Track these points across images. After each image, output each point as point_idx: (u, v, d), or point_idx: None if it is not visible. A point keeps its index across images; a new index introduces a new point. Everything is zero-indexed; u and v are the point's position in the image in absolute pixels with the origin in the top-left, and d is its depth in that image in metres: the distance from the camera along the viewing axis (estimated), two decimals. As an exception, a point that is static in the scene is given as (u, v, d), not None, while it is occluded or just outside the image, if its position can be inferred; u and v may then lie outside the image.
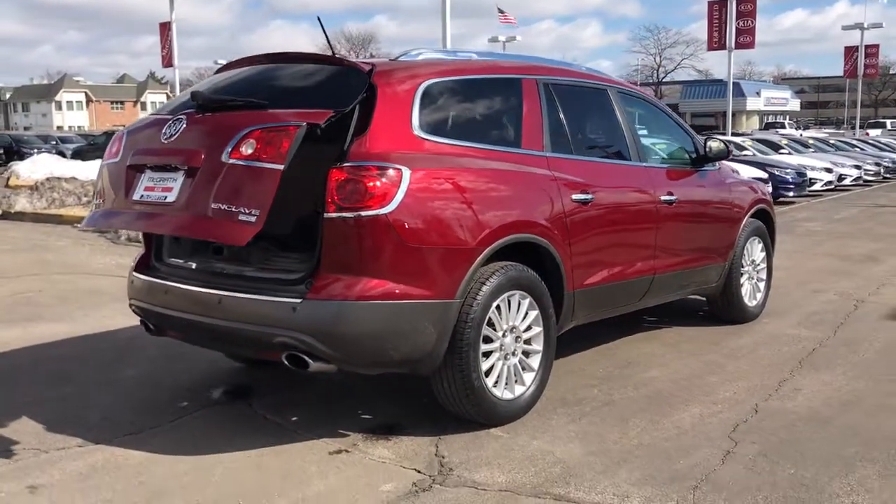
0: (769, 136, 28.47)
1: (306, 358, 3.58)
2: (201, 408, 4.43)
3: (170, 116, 4.01)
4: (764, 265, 6.49)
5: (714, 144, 5.71)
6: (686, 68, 72.14)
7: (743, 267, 6.19)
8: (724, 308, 6.22)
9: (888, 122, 60.81)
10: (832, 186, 20.10)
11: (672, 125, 5.77)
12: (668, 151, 5.73)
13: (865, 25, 41.25)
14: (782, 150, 21.46)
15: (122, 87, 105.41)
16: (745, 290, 6.26)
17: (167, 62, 30.90)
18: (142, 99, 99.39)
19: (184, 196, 3.72)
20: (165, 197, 3.81)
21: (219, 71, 4.48)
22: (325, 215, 3.52)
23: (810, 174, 18.86)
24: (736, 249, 6.02)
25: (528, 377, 4.21)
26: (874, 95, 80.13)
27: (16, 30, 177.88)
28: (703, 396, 4.56)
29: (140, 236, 4.20)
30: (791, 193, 17.32)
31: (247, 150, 3.53)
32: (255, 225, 3.42)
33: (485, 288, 3.89)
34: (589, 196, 4.53)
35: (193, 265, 4.07)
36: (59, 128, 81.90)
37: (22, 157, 31.05)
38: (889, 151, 27.30)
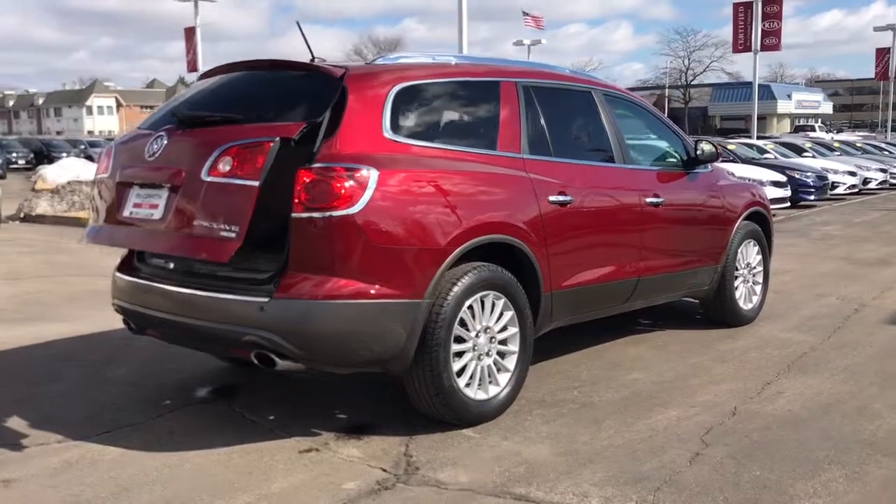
0: (793, 139, 28.15)
1: (273, 357, 3.64)
2: (183, 406, 4.51)
3: (152, 132, 4.11)
4: (760, 268, 6.45)
5: (705, 147, 5.70)
6: (715, 71, 71.49)
7: (737, 270, 6.15)
8: (717, 311, 6.19)
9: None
10: (856, 190, 19.85)
11: (662, 128, 5.76)
12: (657, 154, 5.72)
13: (897, 27, 40.64)
14: (805, 154, 21.22)
15: (151, 91, 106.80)
16: (740, 293, 6.22)
17: (192, 67, 31.27)
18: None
19: (169, 213, 3.85)
20: (152, 214, 3.93)
21: (202, 77, 4.55)
22: (293, 215, 3.58)
23: (833, 178, 18.66)
24: (729, 252, 5.99)
25: (504, 378, 4.23)
26: (908, 98, 78.77)
27: (53, 37, 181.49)
28: (682, 399, 4.54)
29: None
30: (812, 197, 17.12)
31: (224, 167, 3.65)
32: (236, 240, 3.55)
33: (456, 288, 3.92)
34: (567, 198, 4.54)
35: (171, 265, 4.15)
36: (90, 132, 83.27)
37: (51, 160, 31.60)
38: (918, 154, 26.87)
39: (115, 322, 6.34)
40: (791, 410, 4.35)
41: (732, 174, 6.61)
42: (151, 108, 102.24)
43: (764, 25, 28.81)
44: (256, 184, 3.55)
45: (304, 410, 4.39)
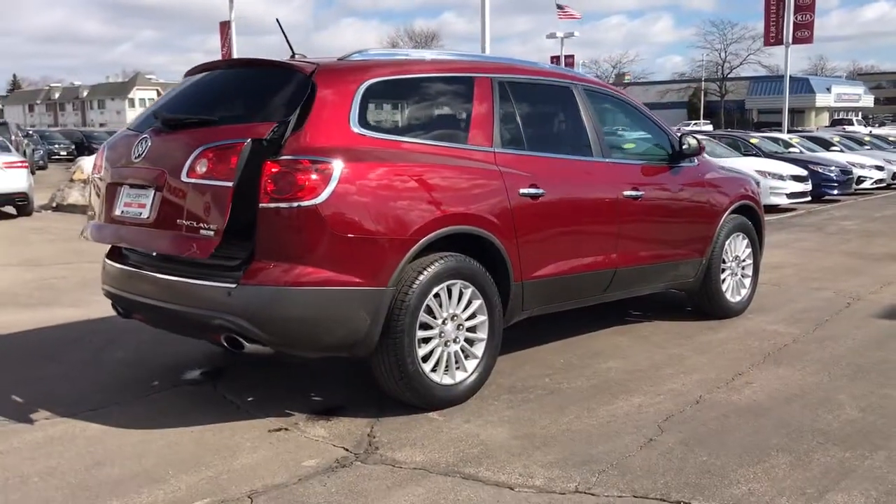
0: (823, 133, 27.78)
1: (241, 340, 3.83)
2: (170, 387, 4.72)
3: (139, 133, 4.33)
4: (750, 261, 6.50)
5: (690, 141, 5.77)
6: (752, 64, 70.53)
7: (724, 263, 6.22)
8: (704, 303, 6.26)
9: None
10: (885, 185, 19.59)
11: (646, 123, 5.84)
12: (639, 149, 5.81)
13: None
14: (833, 148, 20.98)
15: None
16: (728, 285, 6.29)
17: (226, 60, 31.50)
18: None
19: (154, 213, 4.09)
20: (141, 213, 4.17)
21: (187, 74, 4.74)
22: (260, 206, 3.76)
23: (859, 172, 18.46)
24: (715, 245, 6.05)
25: (471, 364, 4.38)
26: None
27: (99, 30, 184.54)
28: (649, 387, 4.65)
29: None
30: (835, 191, 16.97)
31: (201, 168, 3.86)
32: (215, 238, 3.78)
33: (421, 277, 4.07)
34: (539, 191, 4.66)
35: (154, 252, 4.35)
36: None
37: (91, 152, 32.32)
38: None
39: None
40: (755, 400, 4.44)
41: (722, 169, 6.64)
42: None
43: (796, 18, 28.47)
44: (230, 185, 3.76)
45: (283, 393, 4.57)
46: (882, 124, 59.26)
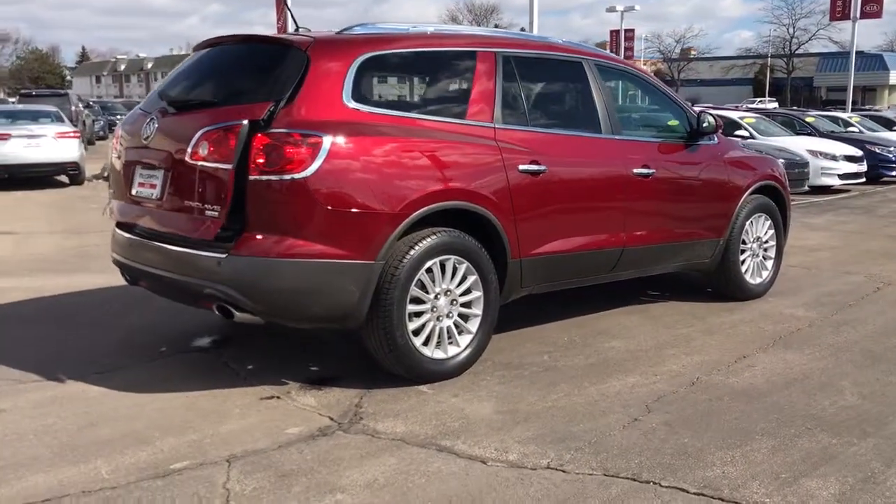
0: (886, 112, 26.80)
1: (231, 308, 3.92)
2: (177, 353, 4.86)
3: (148, 113, 4.44)
4: (773, 243, 6.36)
5: (708, 118, 5.66)
6: (822, 39, 68.22)
7: (745, 244, 6.10)
8: (722, 285, 6.16)
9: None
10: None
11: (663, 99, 5.74)
12: (655, 126, 5.72)
13: None
14: (896, 128, 20.25)
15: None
16: (747, 267, 6.17)
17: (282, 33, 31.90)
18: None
19: (164, 193, 4.21)
20: (153, 193, 4.29)
21: (196, 49, 4.82)
22: (250, 178, 3.82)
23: (922, 153, 17.78)
24: (734, 225, 5.94)
25: (465, 339, 4.40)
26: None
27: (166, 3, 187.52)
28: (647, 368, 4.62)
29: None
30: (893, 173, 16.40)
31: (203, 151, 3.95)
32: (219, 219, 3.89)
33: (412, 251, 4.10)
34: (540, 167, 4.63)
35: (166, 232, 4.45)
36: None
37: (150, 123, 33.00)
38: None
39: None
40: (752, 384, 4.38)
41: (748, 148, 6.49)
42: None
43: (865, -9, 27.45)
44: (230, 167, 3.84)
45: (282, 362, 4.67)
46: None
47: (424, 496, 3.09)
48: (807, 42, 69.04)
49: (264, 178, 3.82)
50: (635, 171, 5.18)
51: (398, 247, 4.09)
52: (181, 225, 4.09)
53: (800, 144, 14.62)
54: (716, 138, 5.86)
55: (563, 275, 4.99)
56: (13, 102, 29.18)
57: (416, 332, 4.21)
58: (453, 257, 4.28)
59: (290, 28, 4.55)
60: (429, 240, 4.16)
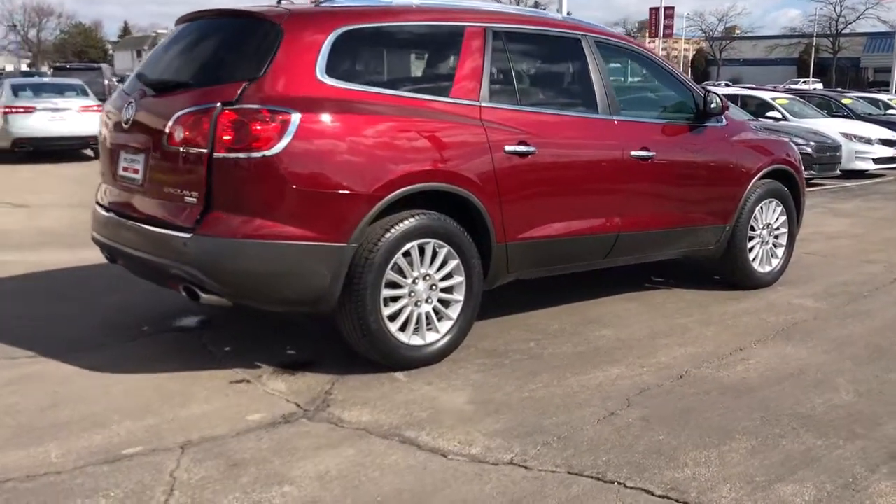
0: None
1: (197, 290, 3.82)
2: (158, 333, 4.79)
3: (129, 96, 4.34)
4: (784, 230, 6.11)
5: (715, 99, 5.42)
6: (870, 19, 66.31)
7: (754, 230, 5.86)
8: (728, 273, 5.94)
9: None
10: None
11: (669, 79, 5.51)
12: (657, 106, 5.49)
13: None
14: (940, 111, 19.54)
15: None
16: (756, 254, 5.94)
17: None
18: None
19: (145, 178, 4.09)
20: (135, 178, 4.18)
21: (178, 22, 4.69)
22: (214, 155, 3.70)
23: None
24: (742, 211, 5.71)
25: (445, 326, 4.26)
26: None
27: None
28: (636, 359, 4.44)
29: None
30: (933, 157, 15.82)
31: (179, 135, 3.84)
32: (198, 205, 3.77)
33: (388, 234, 3.96)
34: (529, 148, 4.45)
35: (148, 217, 4.35)
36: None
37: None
38: None
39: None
40: (744, 378, 4.18)
41: (761, 130, 6.22)
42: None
43: (913, -31, 26.49)
44: (206, 151, 3.72)
45: (261, 345, 4.57)
46: None
47: (375, 491, 2.97)
48: (854, 21, 67.23)
49: (231, 155, 3.70)
50: (633, 153, 4.97)
51: (373, 229, 3.95)
52: (163, 211, 3.97)
53: (833, 127, 14.16)
54: (724, 120, 5.62)
55: (553, 260, 4.81)
56: (49, 75, 29.48)
57: (393, 318, 4.08)
58: (433, 241, 4.13)
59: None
60: (406, 222, 4.02)
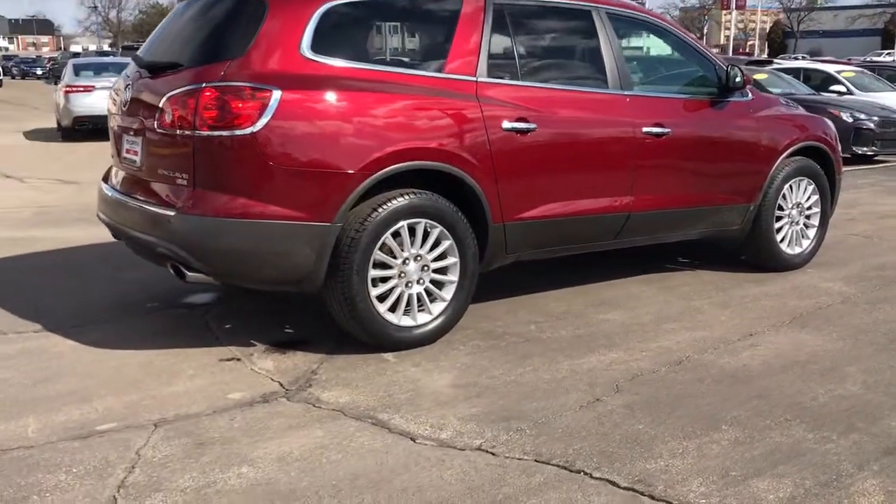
0: None
1: (182, 268, 3.83)
2: (164, 309, 4.85)
3: (128, 78, 4.36)
4: (816, 210, 5.83)
5: (738, 72, 5.18)
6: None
7: (781, 210, 5.62)
8: (753, 254, 5.71)
9: None
10: None
11: (689, 51, 5.29)
12: (675, 80, 5.28)
13: None
14: None
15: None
16: (784, 235, 5.69)
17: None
18: None
19: (143, 161, 4.11)
20: (135, 161, 4.21)
21: (179, 1, 4.69)
22: (196, 133, 3.69)
23: None
24: (768, 190, 5.46)
25: (437, 307, 4.19)
26: None
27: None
28: (637, 343, 4.30)
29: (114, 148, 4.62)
30: None
31: (167, 118, 3.85)
32: (188, 187, 3.77)
33: (376, 214, 3.90)
34: (529, 125, 4.32)
35: (147, 201, 4.38)
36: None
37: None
38: None
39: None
40: (746, 365, 4.01)
41: (791, 104, 5.92)
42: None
43: None
44: (191, 133, 3.73)
45: (261, 322, 4.58)
46: None
47: (332, 474, 2.94)
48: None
49: (214, 134, 3.69)
50: (645, 129, 4.79)
51: (360, 209, 3.89)
52: (158, 193, 3.98)
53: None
54: (749, 94, 5.37)
55: (556, 241, 4.68)
56: (118, 55, 30.24)
57: (382, 298, 4.03)
58: (424, 220, 4.06)
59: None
60: (395, 202, 3.95)
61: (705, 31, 73.89)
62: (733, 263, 5.88)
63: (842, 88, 14.06)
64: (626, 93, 4.78)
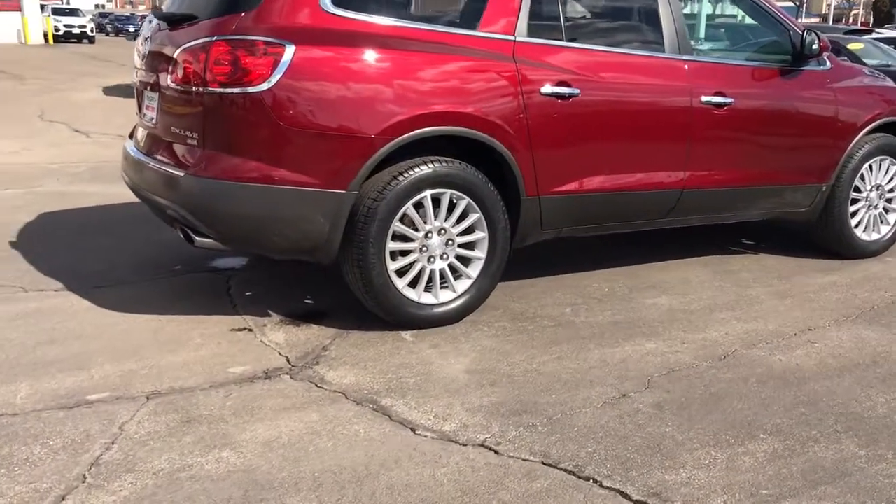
0: None
1: (190, 232, 3.64)
2: (187, 273, 4.69)
3: (148, 33, 4.16)
4: (899, 192, 5.30)
5: (814, 38, 4.68)
6: None
7: (859, 192, 5.11)
8: (824, 239, 5.23)
9: None
10: None
11: (761, 15, 4.80)
12: (743, 46, 4.81)
13: None
14: None
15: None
16: (860, 220, 5.19)
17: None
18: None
19: (158, 118, 3.92)
20: (152, 118, 4.01)
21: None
22: (206, 90, 3.47)
23: None
24: (843, 169, 4.97)
25: (462, 285, 3.91)
26: None
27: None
28: (679, 333, 3.93)
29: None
30: None
31: (179, 73, 3.63)
32: (198, 147, 3.57)
33: (396, 182, 3.62)
34: (572, 90, 3.96)
35: (162, 160, 4.21)
36: None
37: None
38: None
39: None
40: (798, 365, 3.61)
41: (874, 75, 5.35)
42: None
43: None
44: (201, 90, 3.51)
45: (284, 292, 4.39)
46: None
47: (316, 465, 2.71)
48: None
49: (225, 91, 3.45)
50: (704, 99, 4.36)
51: (379, 176, 3.63)
52: (170, 153, 3.78)
53: None
54: (827, 62, 4.86)
55: (598, 218, 4.32)
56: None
57: (402, 273, 3.77)
58: (450, 191, 3.76)
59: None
60: (418, 170, 3.66)
61: (806, -1, 70.35)
62: (803, 248, 5.41)
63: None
64: (684, 58, 4.36)
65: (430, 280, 3.84)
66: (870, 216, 5.22)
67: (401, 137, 3.58)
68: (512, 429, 2.97)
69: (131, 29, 52.27)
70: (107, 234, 5.43)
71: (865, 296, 4.56)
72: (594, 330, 3.94)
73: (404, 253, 3.77)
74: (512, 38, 3.88)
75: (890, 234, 5.32)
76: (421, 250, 3.78)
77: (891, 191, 5.26)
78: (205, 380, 3.32)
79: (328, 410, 3.08)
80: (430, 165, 3.69)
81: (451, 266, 3.87)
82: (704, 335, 3.92)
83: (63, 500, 2.48)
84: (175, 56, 3.64)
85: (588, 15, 4.34)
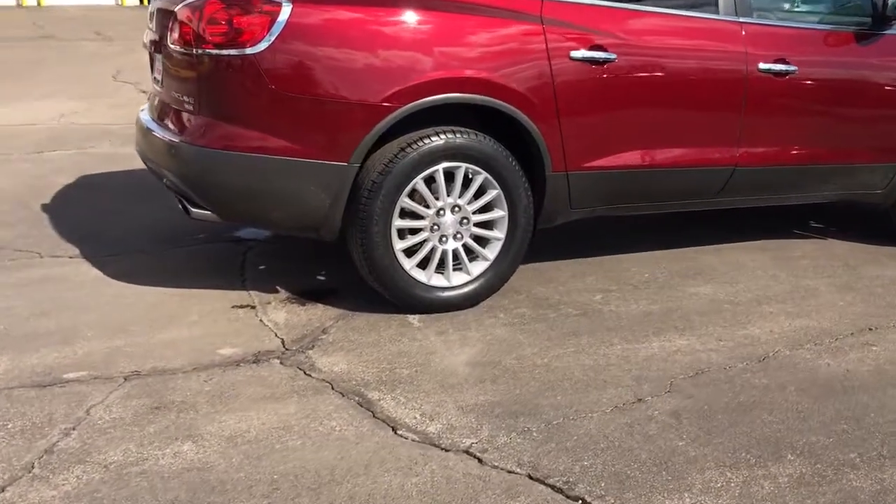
0: None
1: (186, 203, 3.45)
2: (206, 243, 4.51)
3: None
4: None
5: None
6: None
7: (945, 174, 4.54)
8: (900, 224, 4.69)
9: None
10: None
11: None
12: (815, 8, 4.28)
13: None
14: None
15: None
16: (947, 205, 4.62)
17: None
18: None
19: (162, 81, 3.74)
20: (159, 80, 3.83)
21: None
22: (201, 51, 3.24)
23: None
24: (926, 148, 4.41)
25: (478, 268, 3.61)
26: None
27: None
28: (719, 328, 3.54)
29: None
30: None
31: (175, 35, 3.42)
32: (194, 112, 3.37)
33: (404, 154, 3.33)
34: (607, 55, 3.58)
35: (166, 125, 4.02)
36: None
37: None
38: None
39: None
40: (849, 371, 3.18)
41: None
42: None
43: None
44: (194, 52, 3.30)
45: (297, 267, 4.17)
46: None
47: (278, 465, 2.48)
48: None
49: (220, 52, 3.22)
50: (763, 66, 3.90)
51: (385, 148, 3.34)
52: (171, 118, 3.60)
53: None
54: (913, 26, 4.30)
55: (637, 197, 3.93)
56: None
57: (410, 253, 3.49)
58: (465, 165, 3.45)
59: None
60: (428, 141, 3.36)
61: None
62: (879, 235, 4.86)
63: None
64: (741, 20, 3.90)
65: (441, 261, 3.55)
66: (958, 201, 4.64)
67: (408, 105, 3.28)
68: (503, 434, 2.68)
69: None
70: (144, 201, 5.29)
71: (942, 292, 4.05)
72: (622, 321, 3.58)
73: (414, 231, 3.48)
74: (540, -5, 3.51)
75: (981, 222, 4.73)
76: (432, 229, 3.49)
77: (984, 173, 4.65)
78: (189, 361, 3.13)
79: (308, 402, 2.85)
80: (443, 136, 3.38)
81: (466, 247, 3.57)
82: (745, 331, 3.51)
83: (2, 491, 2.33)
84: (174, 15, 3.42)
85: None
